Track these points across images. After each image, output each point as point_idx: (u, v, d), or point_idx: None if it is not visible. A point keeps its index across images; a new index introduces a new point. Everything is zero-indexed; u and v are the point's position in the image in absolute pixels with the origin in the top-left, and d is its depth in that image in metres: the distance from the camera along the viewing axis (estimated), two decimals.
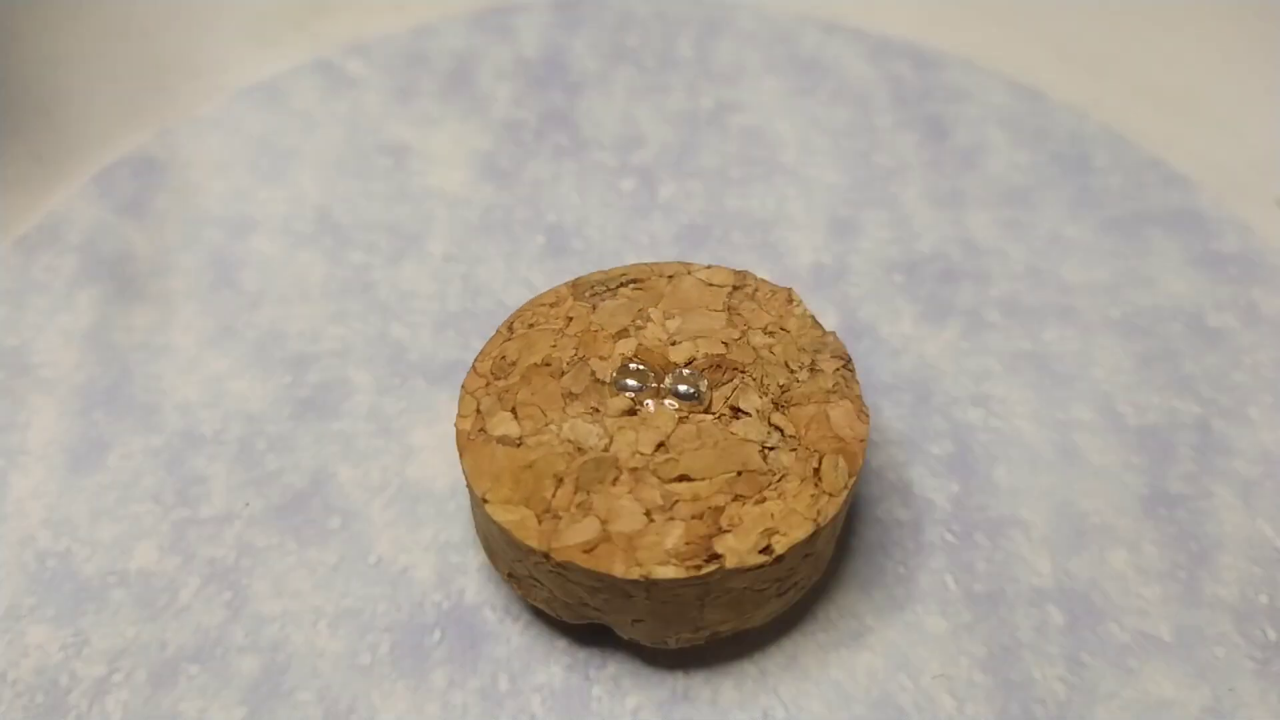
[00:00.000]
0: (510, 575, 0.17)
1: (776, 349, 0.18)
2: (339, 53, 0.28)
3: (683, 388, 0.17)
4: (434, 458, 0.20)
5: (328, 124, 0.27)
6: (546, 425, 0.17)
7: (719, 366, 0.18)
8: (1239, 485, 0.20)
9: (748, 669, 0.18)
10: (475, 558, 0.19)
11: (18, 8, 0.29)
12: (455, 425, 0.17)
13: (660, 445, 0.17)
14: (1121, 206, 0.25)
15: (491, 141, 0.26)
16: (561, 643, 0.18)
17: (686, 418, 0.17)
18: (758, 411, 0.17)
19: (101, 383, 0.21)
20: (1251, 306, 0.23)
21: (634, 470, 0.16)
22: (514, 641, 0.18)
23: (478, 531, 0.19)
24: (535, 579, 0.17)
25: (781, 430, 0.17)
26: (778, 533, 0.16)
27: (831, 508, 0.16)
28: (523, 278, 0.23)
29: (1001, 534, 0.19)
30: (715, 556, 0.15)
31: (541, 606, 0.17)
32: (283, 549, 0.19)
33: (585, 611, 0.17)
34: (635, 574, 0.15)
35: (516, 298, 0.23)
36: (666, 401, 0.17)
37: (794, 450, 0.17)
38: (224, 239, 0.24)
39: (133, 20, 0.29)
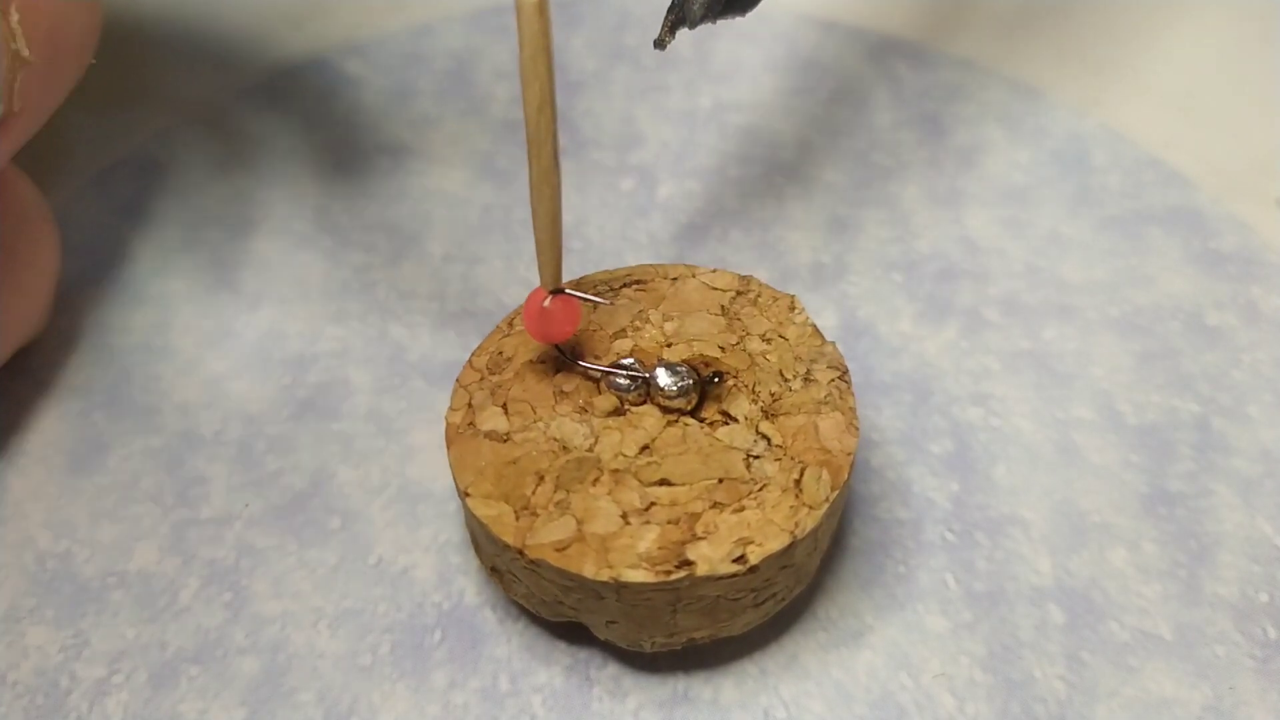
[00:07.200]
0: (493, 570, 0.17)
1: (772, 356, 0.18)
2: (337, 53, 0.28)
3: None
4: (434, 458, 0.20)
5: (326, 124, 0.27)
6: (535, 422, 0.17)
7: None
8: (1239, 483, 0.20)
9: (748, 668, 0.18)
10: (475, 558, 0.19)
11: None
12: (445, 418, 0.17)
13: (645, 448, 0.17)
14: (1120, 205, 0.25)
15: (490, 141, 0.26)
16: (562, 643, 0.18)
17: (674, 421, 0.17)
18: (746, 418, 0.17)
19: (101, 384, 0.21)
20: (1251, 305, 0.23)
21: (615, 472, 0.16)
22: (515, 642, 0.18)
23: (466, 525, 0.19)
24: (514, 574, 0.17)
25: (768, 439, 0.17)
26: (753, 543, 0.16)
27: (810, 520, 0.16)
28: (522, 278, 0.23)
29: (1001, 533, 0.19)
30: (687, 563, 0.15)
31: (521, 602, 0.17)
32: (283, 550, 0.19)
33: (561, 610, 0.17)
34: (605, 576, 0.15)
35: (516, 297, 0.23)
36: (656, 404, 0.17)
37: (779, 460, 0.16)
38: (223, 239, 0.24)
39: (131, 20, 0.29)
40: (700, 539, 0.16)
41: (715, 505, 0.16)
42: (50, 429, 0.21)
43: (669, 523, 0.16)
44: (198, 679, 0.18)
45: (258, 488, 0.20)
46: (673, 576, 0.15)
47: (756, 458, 0.17)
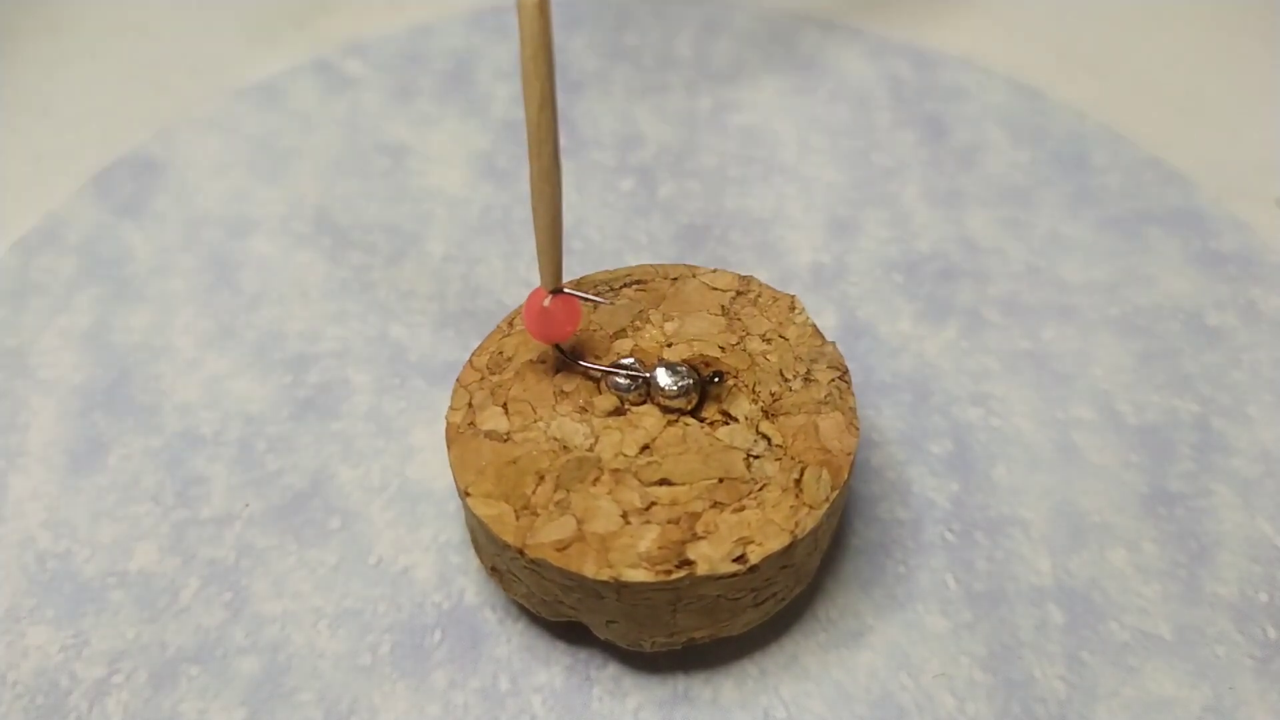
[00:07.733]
0: (493, 569, 0.17)
1: (772, 356, 0.18)
2: (338, 53, 0.28)
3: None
4: (434, 458, 0.20)
5: (326, 124, 0.27)
6: (535, 422, 0.17)
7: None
8: (1238, 483, 0.20)
9: (748, 669, 0.18)
10: (475, 558, 0.19)
11: (18, 8, 0.29)
12: (446, 418, 0.17)
13: (645, 448, 0.17)
14: (1120, 205, 0.25)
15: (490, 141, 0.26)
16: (562, 643, 0.18)
17: (675, 421, 0.17)
18: (746, 418, 0.17)
19: (101, 383, 0.21)
20: (1250, 305, 0.23)
21: (615, 471, 0.16)
22: (515, 641, 0.18)
23: (466, 525, 0.19)
24: (514, 574, 0.17)
25: (769, 439, 0.17)
26: (753, 542, 0.16)
27: (810, 520, 0.16)
28: (522, 278, 0.23)
29: (1001, 533, 0.19)
30: (687, 562, 0.15)
31: (522, 602, 0.17)
32: (283, 549, 0.19)
33: (561, 609, 0.17)
34: (605, 575, 0.15)
35: (516, 297, 0.23)
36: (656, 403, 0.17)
37: (779, 460, 0.16)
38: (223, 239, 0.24)
39: (132, 20, 0.29)
40: (700, 538, 0.16)
41: (715, 505, 0.16)
42: (50, 429, 0.21)
43: (669, 522, 0.16)
44: (198, 679, 0.18)
45: (258, 488, 0.20)
46: (673, 576, 0.15)
47: (757, 457, 0.16)
